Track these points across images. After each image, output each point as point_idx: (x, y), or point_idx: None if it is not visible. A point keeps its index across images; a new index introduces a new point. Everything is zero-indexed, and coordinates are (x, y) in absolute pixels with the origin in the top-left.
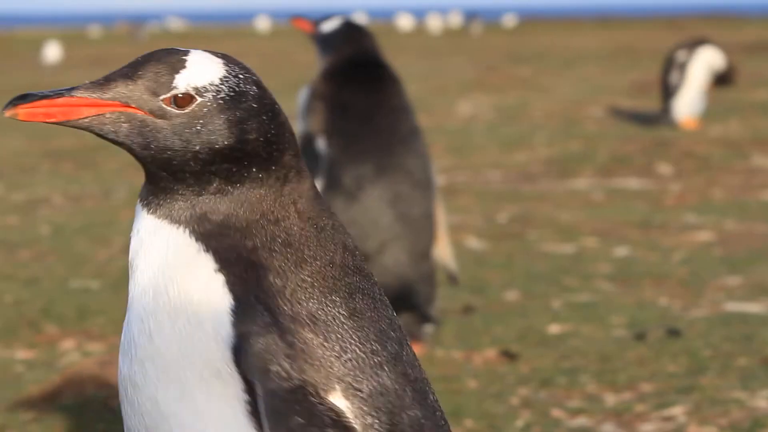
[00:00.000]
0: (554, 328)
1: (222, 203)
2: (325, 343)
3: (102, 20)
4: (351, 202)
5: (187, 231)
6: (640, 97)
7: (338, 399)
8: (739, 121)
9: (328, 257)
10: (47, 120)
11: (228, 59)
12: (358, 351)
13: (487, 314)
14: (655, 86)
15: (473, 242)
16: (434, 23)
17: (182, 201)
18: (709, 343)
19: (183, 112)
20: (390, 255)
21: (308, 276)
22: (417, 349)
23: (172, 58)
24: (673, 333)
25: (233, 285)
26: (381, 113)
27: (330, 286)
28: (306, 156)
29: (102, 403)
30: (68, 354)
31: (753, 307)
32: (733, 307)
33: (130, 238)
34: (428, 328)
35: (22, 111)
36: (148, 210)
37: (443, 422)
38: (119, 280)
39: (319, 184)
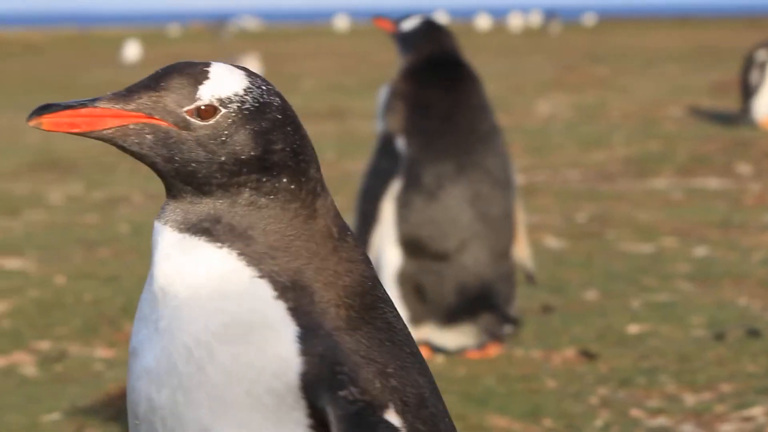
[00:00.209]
0: (633, 328)
1: (259, 218)
2: (371, 360)
3: (181, 19)
4: (431, 202)
5: (234, 253)
6: (720, 97)
7: (392, 416)
8: None
9: (359, 271)
10: (71, 130)
11: (248, 71)
12: (397, 365)
13: (566, 314)
14: (735, 86)
15: (552, 242)
16: (515, 22)
17: (215, 215)
18: None
19: (207, 123)
20: (470, 254)
21: (347, 292)
22: (495, 349)
23: (194, 70)
24: (753, 333)
25: (293, 311)
26: (461, 112)
27: (365, 302)
28: (386, 155)
29: None
30: None
31: None
32: None
33: (154, 261)
34: (508, 329)
35: (47, 120)
36: (177, 229)
37: None
38: None
39: (398, 184)
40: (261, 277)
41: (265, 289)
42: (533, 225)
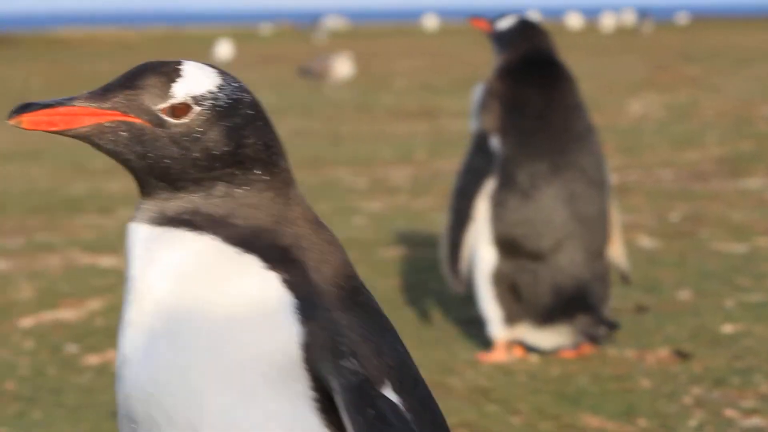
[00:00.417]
0: (727, 328)
1: (237, 205)
2: (366, 339)
3: (273, 18)
4: (525, 201)
5: (216, 237)
6: None
7: (390, 393)
8: None
9: (341, 256)
10: (50, 129)
11: (219, 69)
12: (389, 346)
13: (659, 313)
14: None
15: (645, 241)
16: (607, 21)
17: (192, 207)
18: None
19: (181, 121)
20: (565, 254)
21: (335, 273)
22: (589, 349)
23: (167, 68)
24: None
25: (288, 283)
26: (556, 111)
27: (351, 284)
28: (480, 154)
29: None
30: None
31: None
32: None
33: (130, 257)
34: (603, 330)
35: (26, 119)
36: (152, 223)
37: None
38: None
39: (492, 183)
40: (250, 252)
41: (256, 263)
42: (626, 225)
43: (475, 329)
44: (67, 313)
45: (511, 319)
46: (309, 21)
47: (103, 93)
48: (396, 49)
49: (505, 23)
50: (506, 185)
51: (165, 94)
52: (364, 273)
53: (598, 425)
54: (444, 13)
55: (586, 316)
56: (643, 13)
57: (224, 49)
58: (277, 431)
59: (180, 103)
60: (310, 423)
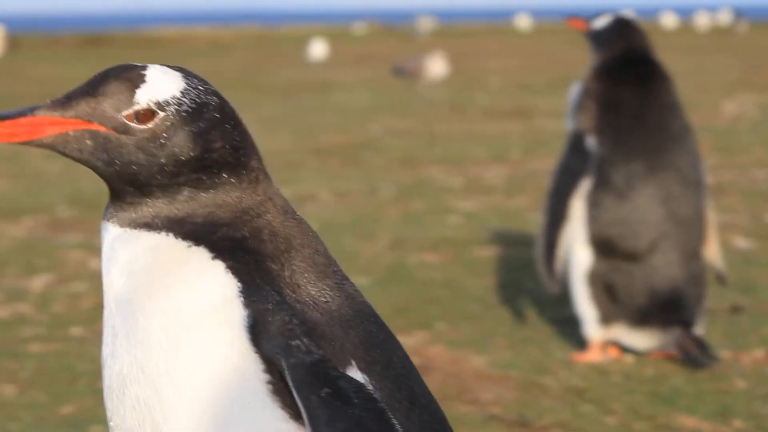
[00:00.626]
0: None
1: (199, 207)
2: (330, 323)
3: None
4: (621, 201)
5: (171, 234)
6: None
7: (355, 373)
8: None
9: (313, 246)
10: (11, 140)
11: (185, 72)
12: (358, 325)
13: (755, 314)
14: None
15: (740, 242)
16: (702, 21)
17: (154, 211)
18: None
19: (146, 127)
20: (660, 254)
21: (301, 262)
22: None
23: (131, 74)
24: None
25: (235, 270)
26: (652, 111)
27: (321, 271)
28: (576, 153)
29: None
30: None
31: None
32: None
33: (101, 253)
34: (700, 355)
35: None
36: (118, 225)
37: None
38: (386, 276)
39: (588, 183)
40: (197, 244)
41: (201, 253)
42: (721, 225)
43: (569, 329)
44: None
45: (606, 319)
46: (398, 20)
47: (66, 101)
48: (489, 48)
49: (601, 22)
50: (602, 185)
51: (129, 100)
52: (457, 272)
53: (693, 425)
54: (537, 13)
55: (679, 316)
56: (739, 13)
57: (318, 49)
58: (235, 414)
59: (144, 109)
60: (267, 406)
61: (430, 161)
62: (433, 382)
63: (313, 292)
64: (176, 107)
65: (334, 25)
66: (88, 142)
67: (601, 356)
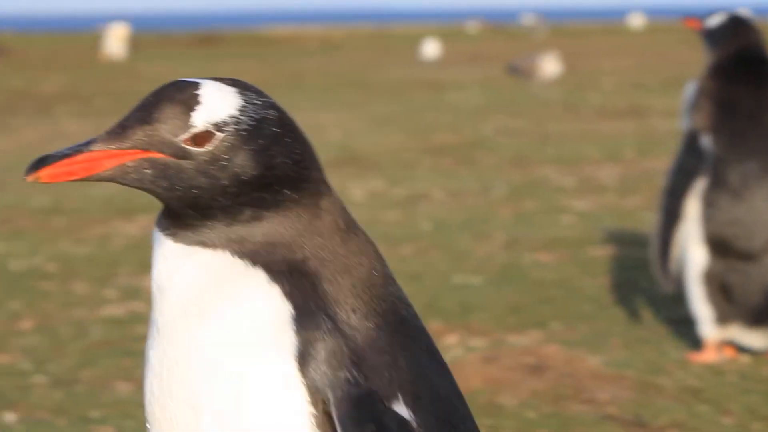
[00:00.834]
0: None
1: (259, 226)
2: (381, 351)
3: (480, 16)
4: (736, 201)
5: (228, 252)
6: None
7: (401, 408)
8: None
9: (371, 264)
10: (69, 179)
11: (241, 86)
12: (409, 358)
13: None
14: None
15: None
16: None
17: (214, 231)
18: None
19: (205, 150)
20: None
21: (357, 283)
22: None
23: (184, 95)
24: None
25: (290, 294)
26: (767, 110)
27: (377, 294)
28: (691, 153)
29: (488, 399)
30: (452, 349)
31: None
32: None
33: (153, 264)
34: None
35: (44, 174)
36: (174, 240)
37: None
38: (500, 275)
39: (703, 182)
40: (254, 265)
41: (258, 275)
42: None
43: (685, 329)
44: None
45: (722, 319)
46: (504, 19)
47: (121, 131)
48: (602, 48)
49: (715, 20)
50: (717, 185)
51: (185, 124)
52: (572, 272)
53: None
54: (650, 12)
55: None
56: None
57: (431, 48)
58: None
59: (201, 132)
60: None
61: (542, 161)
62: (547, 382)
63: (366, 317)
64: (235, 127)
65: (445, 24)
66: (147, 170)
67: (717, 356)
